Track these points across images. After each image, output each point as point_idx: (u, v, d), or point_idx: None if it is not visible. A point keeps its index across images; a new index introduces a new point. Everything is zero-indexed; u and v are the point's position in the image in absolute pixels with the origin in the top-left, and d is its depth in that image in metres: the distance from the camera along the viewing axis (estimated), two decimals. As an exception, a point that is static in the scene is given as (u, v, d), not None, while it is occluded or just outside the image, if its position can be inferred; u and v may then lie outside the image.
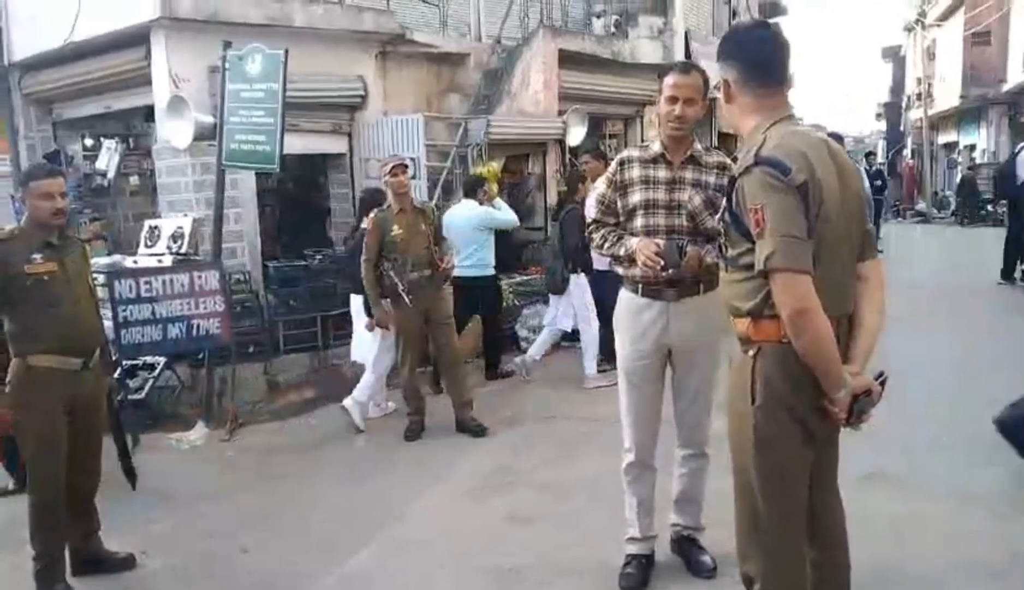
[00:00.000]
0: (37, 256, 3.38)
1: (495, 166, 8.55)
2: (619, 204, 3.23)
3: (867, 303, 2.29)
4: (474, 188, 7.00)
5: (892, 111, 48.48)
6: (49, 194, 3.40)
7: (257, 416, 6.18)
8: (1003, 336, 7.46)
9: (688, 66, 3.18)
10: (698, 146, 3.18)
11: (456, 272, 5.84)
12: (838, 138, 7.22)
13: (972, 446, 4.52)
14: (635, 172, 3.18)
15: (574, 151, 10.26)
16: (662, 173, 3.14)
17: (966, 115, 28.84)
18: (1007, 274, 9.90)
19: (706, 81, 3.10)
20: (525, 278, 8.64)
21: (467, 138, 8.65)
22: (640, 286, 3.17)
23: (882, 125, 51.98)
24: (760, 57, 2.29)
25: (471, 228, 6.65)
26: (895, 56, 47.68)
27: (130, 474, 3.86)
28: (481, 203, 6.83)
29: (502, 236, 9.00)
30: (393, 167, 5.41)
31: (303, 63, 7.37)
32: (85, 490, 3.63)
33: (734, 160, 2.39)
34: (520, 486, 4.49)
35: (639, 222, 3.16)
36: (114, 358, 5.88)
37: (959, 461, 4.34)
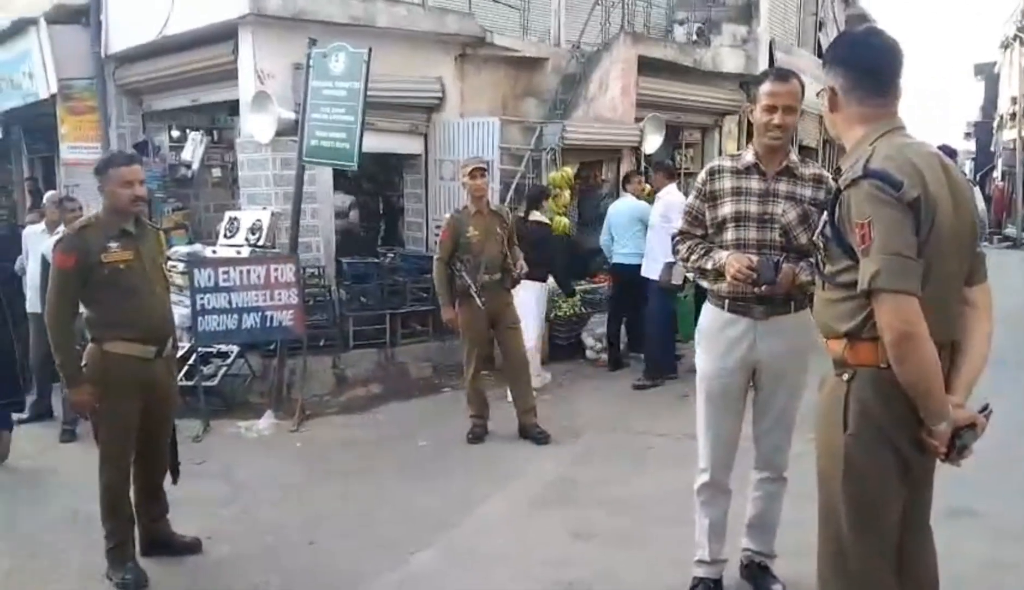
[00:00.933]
0: (114, 245, 3.41)
1: (568, 171, 8.48)
2: (708, 216, 3.11)
3: (974, 330, 2.15)
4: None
5: (982, 130, 46.50)
6: (129, 181, 3.43)
7: (324, 409, 6.26)
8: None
9: (786, 73, 3.04)
10: (794, 157, 3.05)
11: (614, 259, 7.27)
12: (950, 152, 6.96)
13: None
14: (726, 183, 3.06)
15: (648, 159, 10.13)
16: (755, 184, 3.02)
17: (1063, 137, 27.44)
18: None
19: (803, 88, 2.98)
20: (593, 286, 8.54)
21: (542, 142, 8.60)
22: (727, 301, 3.06)
23: (971, 144, 49.94)
24: (873, 65, 2.16)
25: (628, 219, 7.29)
26: (988, 73, 45.79)
27: (175, 470, 3.82)
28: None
29: (568, 243, 8.95)
30: (472, 169, 5.41)
31: (384, 63, 7.44)
32: (155, 474, 3.70)
33: (837, 173, 2.25)
34: (583, 499, 4.42)
35: (730, 235, 3.04)
36: (188, 344, 6.11)
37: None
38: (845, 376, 2.12)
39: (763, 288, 2.93)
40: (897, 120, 2.17)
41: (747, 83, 11.88)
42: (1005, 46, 38.85)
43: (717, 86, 11.30)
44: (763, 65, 11.71)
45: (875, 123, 2.14)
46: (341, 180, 8.63)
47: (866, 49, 2.19)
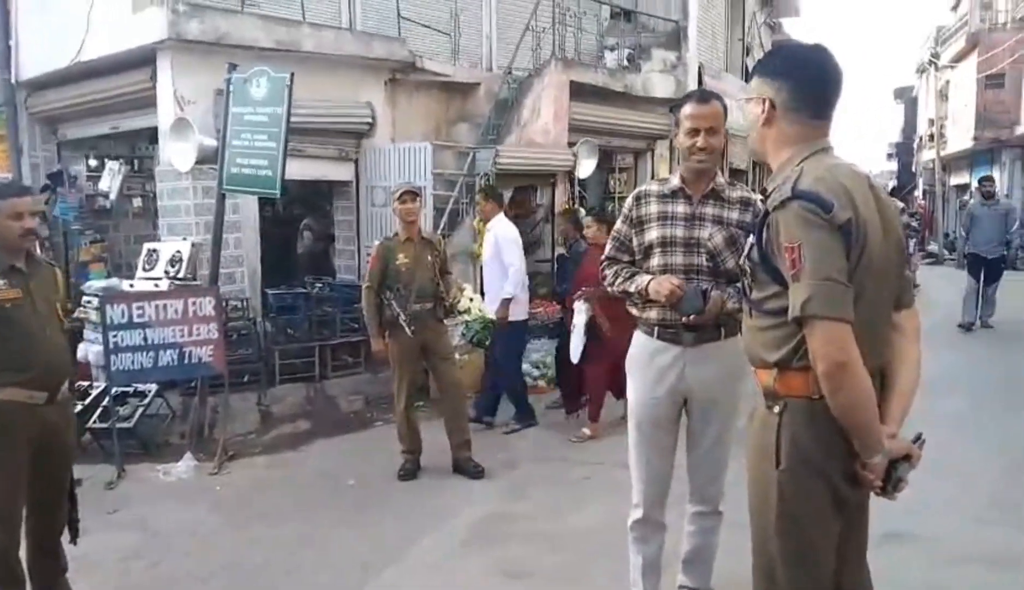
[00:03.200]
0: (0, 282, 3.14)
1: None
2: (635, 242, 3.04)
3: (904, 357, 2.07)
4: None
5: (903, 151, 48.49)
6: (19, 213, 3.15)
7: (248, 448, 5.97)
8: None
9: (707, 95, 2.99)
10: (720, 179, 2.99)
11: None
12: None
13: (996, 507, 4.29)
14: (652, 208, 3.00)
15: (583, 184, 10.13)
16: (681, 208, 2.96)
17: (979, 157, 28.72)
18: None
19: (725, 109, 2.92)
20: (531, 312, 8.43)
21: (475, 167, 8.50)
22: (656, 328, 2.98)
23: (893, 165, 51.97)
24: (818, 83, 2.07)
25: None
26: (907, 97, 47.79)
27: (73, 527, 3.41)
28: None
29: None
30: (403, 194, 5.27)
31: (311, 88, 7.28)
32: (51, 531, 3.38)
33: (763, 194, 2.17)
34: (518, 535, 4.26)
35: (656, 261, 2.96)
36: (102, 385, 5.78)
37: (982, 521, 4.10)
38: (776, 408, 2.01)
39: (691, 318, 2.85)
40: (827, 141, 2.10)
41: (675, 107, 12.05)
42: (921, 71, 40.68)
43: (648, 111, 11.39)
44: (692, 89, 11.91)
45: (806, 143, 2.06)
46: (267, 210, 8.39)
47: (814, 67, 2.08)
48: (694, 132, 2.88)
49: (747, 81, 10.51)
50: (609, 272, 3.12)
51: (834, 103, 2.10)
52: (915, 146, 43.55)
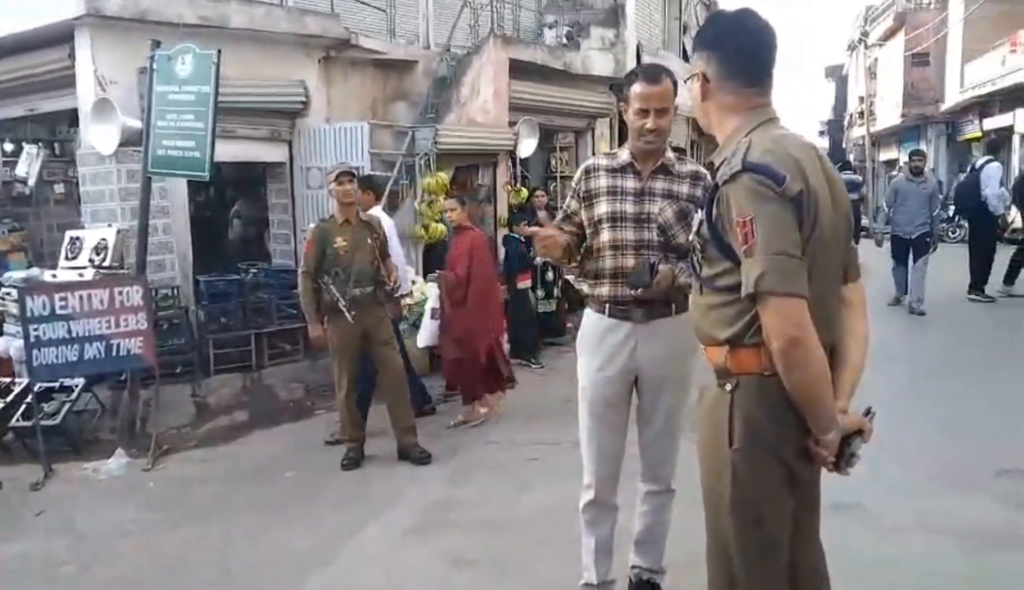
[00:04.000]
0: None
1: (443, 177, 8.26)
2: (584, 216, 2.97)
3: (852, 331, 2.05)
4: None
5: (834, 128, 49.71)
6: None
7: (183, 442, 5.75)
8: (971, 355, 7.41)
9: (656, 73, 2.88)
10: (670, 154, 2.92)
11: None
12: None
13: (935, 478, 4.38)
14: (602, 181, 2.93)
15: (524, 163, 10.05)
16: (631, 183, 2.90)
17: (906, 133, 29.59)
18: (977, 287, 10.05)
19: (675, 86, 2.85)
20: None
21: (414, 147, 8.33)
22: (607, 306, 2.91)
23: (824, 142, 53.26)
24: (747, 49, 2.02)
25: None
26: (838, 75, 48.94)
27: None
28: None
29: (444, 249, 8.74)
30: (339, 174, 5.10)
31: (241, 66, 7.01)
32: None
33: (709, 168, 2.11)
34: (464, 522, 4.18)
35: (605, 236, 2.90)
36: (23, 382, 5.49)
37: (922, 492, 4.19)
38: (727, 386, 1.96)
39: (639, 291, 2.80)
40: (772, 111, 2.05)
41: (617, 85, 12.04)
42: (851, 49, 41.64)
43: (588, 89, 11.36)
44: (631, 68, 11.89)
45: (750, 114, 2.00)
46: (200, 191, 8.08)
47: (741, 32, 2.03)
48: (644, 113, 2.81)
49: (685, 60, 10.63)
50: None
51: (768, 67, 2.05)
52: (846, 123, 44.69)
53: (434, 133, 8.30)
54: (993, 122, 24.42)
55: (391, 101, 9.35)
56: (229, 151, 7.14)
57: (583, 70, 11.00)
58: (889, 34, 32.29)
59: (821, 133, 56.14)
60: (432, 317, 6.37)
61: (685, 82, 2.15)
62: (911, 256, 9.52)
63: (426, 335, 6.46)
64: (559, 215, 3.14)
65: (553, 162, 11.90)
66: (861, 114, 37.73)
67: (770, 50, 2.05)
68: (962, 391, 6.13)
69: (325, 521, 4.28)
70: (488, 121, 9.22)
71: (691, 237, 2.09)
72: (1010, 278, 10.11)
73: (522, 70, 9.79)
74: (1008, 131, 23.21)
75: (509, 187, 9.56)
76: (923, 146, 26.24)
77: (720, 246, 1.94)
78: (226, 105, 6.02)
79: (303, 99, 8.11)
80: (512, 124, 9.42)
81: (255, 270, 7.68)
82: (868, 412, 2.03)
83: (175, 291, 6.74)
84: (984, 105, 24.60)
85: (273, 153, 8.19)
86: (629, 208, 2.88)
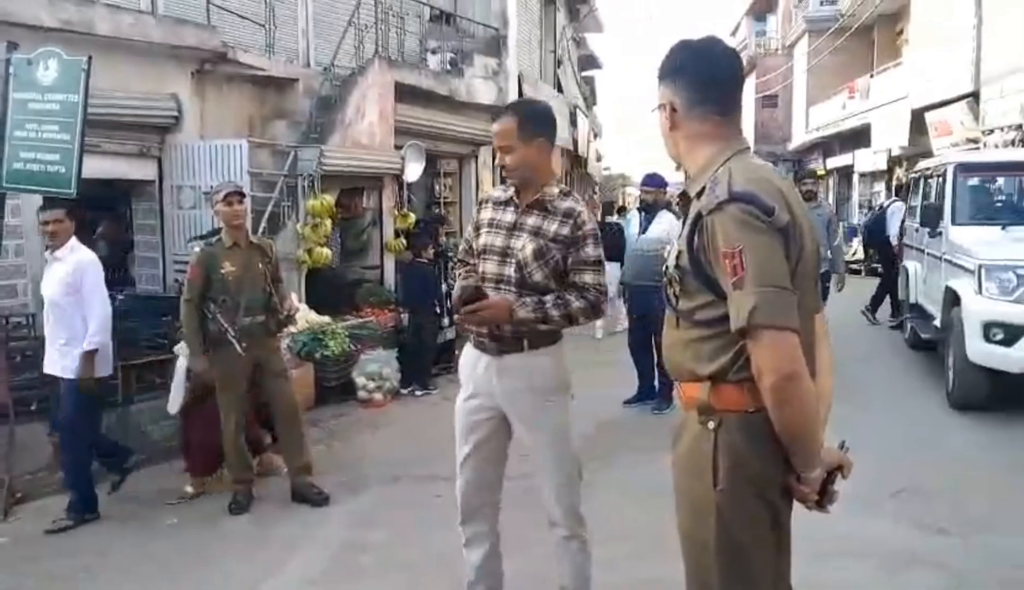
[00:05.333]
0: None
1: (328, 199, 7.92)
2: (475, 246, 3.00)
3: (822, 361, 1.99)
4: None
5: (690, 164, 52.54)
6: None
7: (40, 488, 5.09)
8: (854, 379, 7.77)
9: (503, 111, 3.00)
10: (553, 190, 2.89)
11: None
12: (662, 181, 7.14)
13: (848, 500, 4.51)
14: (487, 213, 2.97)
15: (410, 187, 9.84)
16: (508, 217, 2.90)
17: (758, 170, 31.57)
18: (872, 309, 10.62)
19: (522, 122, 2.83)
20: (361, 320, 8.02)
21: (296, 168, 7.95)
22: (472, 336, 2.93)
23: (682, 176, 56.05)
24: (717, 76, 1.96)
25: None
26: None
27: None
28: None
29: (328, 274, 8.41)
30: (227, 194, 4.72)
31: (106, 76, 6.43)
32: None
33: (684, 199, 2.04)
34: (372, 568, 3.91)
35: (481, 267, 2.92)
36: None
37: (847, 515, 4.28)
38: (710, 424, 1.86)
39: (461, 313, 2.80)
40: (744, 140, 2.01)
41: (498, 114, 12.09)
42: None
43: (472, 116, 11.33)
44: (513, 97, 11.98)
45: (722, 142, 1.94)
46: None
47: (711, 60, 1.98)
48: (499, 148, 2.89)
49: (559, 91, 10.68)
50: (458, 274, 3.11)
51: (736, 94, 2.02)
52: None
53: (319, 154, 7.95)
54: (835, 161, 26.45)
55: (270, 119, 8.92)
56: (92, 167, 6.41)
57: (467, 97, 10.96)
58: (741, 77, 34.44)
59: (678, 168, 59.12)
60: (188, 379, 5.26)
61: (652, 112, 2.07)
62: None
63: (179, 399, 5.29)
64: (462, 245, 3.16)
65: (437, 188, 11.76)
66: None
67: (738, 78, 2.03)
68: (850, 414, 6.41)
69: (216, 575, 3.88)
70: (374, 144, 8.97)
71: (668, 268, 1.97)
72: (874, 307, 10.74)
73: (407, 94, 9.62)
74: (848, 170, 25.18)
75: (396, 211, 9.32)
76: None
77: (701, 278, 1.85)
78: (90, 117, 5.48)
79: (175, 114, 7.58)
80: (398, 148, 9.21)
81: (120, 297, 7.03)
82: (843, 446, 1.99)
83: (29, 320, 6.04)
84: (827, 145, 26.65)
85: (141, 170, 7.58)
86: (499, 241, 2.87)
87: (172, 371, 5.44)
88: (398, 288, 8.92)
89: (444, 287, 8.23)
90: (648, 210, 6.85)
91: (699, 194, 1.90)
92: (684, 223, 1.97)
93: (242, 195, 4.84)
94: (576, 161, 20.24)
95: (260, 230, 7.31)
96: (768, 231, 1.75)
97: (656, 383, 6.69)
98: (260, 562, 3.99)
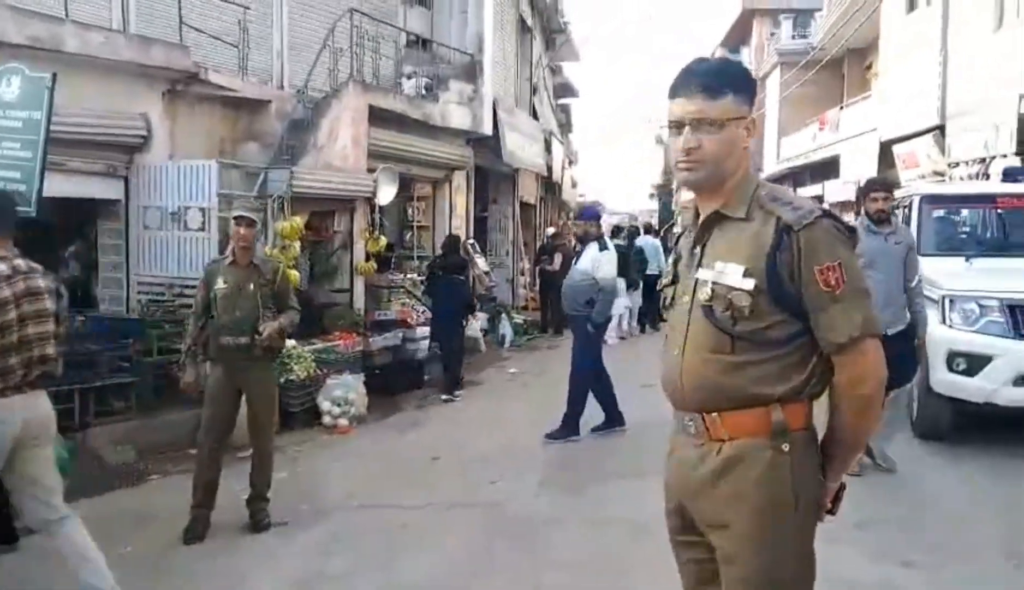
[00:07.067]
0: None
1: (298, 221, 7.85)
2: None
3: None
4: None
5: (664, 192, 53.00)
6: None
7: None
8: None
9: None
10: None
11: None
12: (595, 214, 7.29)
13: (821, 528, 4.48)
14: None
15: (382, 210, 9.81)
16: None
17: (730, 199, 31.85)
18: None
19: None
20: (328, 344, 7.93)
21: (267, 189, 7.89)
22: None
23: (655, 204, 56.63)
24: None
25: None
26: (666, 143, 52.38)
27: None
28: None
29: (299, 297, 8.30)
30: (239, 217, 4.75)
31: (74, 94, 6.37)
32: None
33: (716, 217, 1.94)
34: (334, 598, 3.82)
35: None
36: None
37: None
38: (785, 446, 1.83)
39: None
40: None
41: (475, 139, 12.12)
42: (681, 120, 44.68)
43: (446, 141, 11.35)
44: (488, 123, 12.04)
45: (749, 162, 1.99)
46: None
47: (755, 85, 2.01)
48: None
49: (535, 118, 10.77)
50: None
51: None
52: (674, 187, 47.75)
53: (289, 175, 7.90)
54: (806, 191, 26.79)
55: (241, 141, 8.86)
56: (57, 186, 6.38)
57: (442, 122, 10.98)
58: (714, 108, 34.86)
59: (651, 196, 59.72)
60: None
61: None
62: None
63: None
64: None
65: (410, 211, 11.74)
66: (689, 180, 40.43)
67: None
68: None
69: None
70: (346, 166, 8.93)
71: (732, 292, 1.85)
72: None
73: (381, 118, 9.62)
74: (819, 200, 25.52)
75: (367, 234, 9.27)
76: (746, 211, 28.31)
77: (778, 294, 1.82)
78: (55, 135, 5.40)
79: (144, 133, 7.49)
80: (371, 171, 9.18)
81: (81, 318, 6.88)
82: None
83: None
84: (797, 176, 27.01)
85: (107, 189, 7.48)
86: None
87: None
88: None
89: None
90: (581, 242, 7.01)
91: (748, 213, 1.88)
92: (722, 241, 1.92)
93: (251, 222, 4.75)
94: (551, 187, 20.33)
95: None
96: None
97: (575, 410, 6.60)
98: (215, 593, 3.87)
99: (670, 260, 2.12)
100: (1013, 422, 6.06)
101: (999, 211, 7.16)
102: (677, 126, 1.90)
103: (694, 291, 1.92)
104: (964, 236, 7.69)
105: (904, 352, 5.04)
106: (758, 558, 1.84)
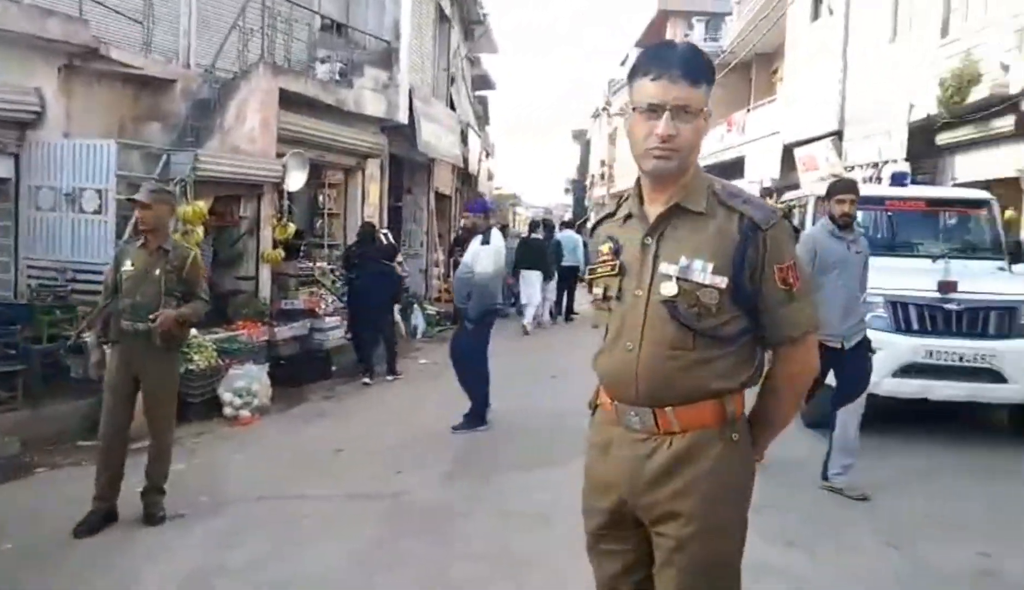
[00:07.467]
0: None
1: (202, 206, 7.60)
2: None
3: None
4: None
5: (578, 188, 53.70)
6: None
7: None
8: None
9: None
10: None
11: None
12: (483, 207, 7.30)
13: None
14: None
15: (291, 197, 9.61)
16: None
17: (643, 196, 32.51)
18: None
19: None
20: (230, 334, 7.72)
21: (169, 172, 7.61)
22: None
23: (569, 199, 57.34)
24: None
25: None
26: (583, 139, 53.08)
27: None
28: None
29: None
30: (130, 198, 4.62)
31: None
32: None
33: (676, 210, 1.90)
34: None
35: None
36: None
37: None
38: (735, 436, 1.90)
39: None
40: None
41: (390, 127, 11.99)
42: (595, 116, 45.40)
43: (360, 128, 11.19)
44: (404, 111, 11.94)
45: None
46: None
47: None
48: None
49: (452, 109, 10.77)
50: None
51: None
52: (588, 183, 48.44)
53: (193, 158, 7.65)
54: (714, 191, 27.50)
55: (143, 121, 8.51)
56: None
57: (356, 109, 10.81)
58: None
59: (567, 190, 60.43)
60: None
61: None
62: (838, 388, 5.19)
63: None
64: None
65: (321, 199, 11.52)
66: (603, 176, 41.13)
67: None
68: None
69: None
70: (254, 150, 8.70)
71: (682, 285, 1.84)
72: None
73: (292, 102, 9.40)
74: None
75: (275, 221, 9.06)
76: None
77: (738, 293, 1.85)
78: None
79: (37, 109, 7.14)
80: (280, 156, 8.97)
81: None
82: None
83: None
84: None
85: (-4, 167, 7.08)
86: None
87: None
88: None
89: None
90: (469, 234, 7.11)
91: (708, 208, 1.87)
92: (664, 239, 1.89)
93: (145, 204, 4.52)
94: (467, 179, 20.32)
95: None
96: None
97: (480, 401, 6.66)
98: (107, 588, 3.73)
99: (603, 248, 2.00)
100: (900, 413, 6.44)
101: (888, 213, 7.57)
102: (654, 109, 1.81)
103: (651, 285, 1.87)
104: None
105: (862, 363, 5.02)
106: (711, 543, 1.87)
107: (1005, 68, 10.48)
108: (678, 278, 1.84)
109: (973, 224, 7.65)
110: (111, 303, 4.57)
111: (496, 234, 6.83)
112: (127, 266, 4.52)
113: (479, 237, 6.69)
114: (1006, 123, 10.88)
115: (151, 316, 4.40)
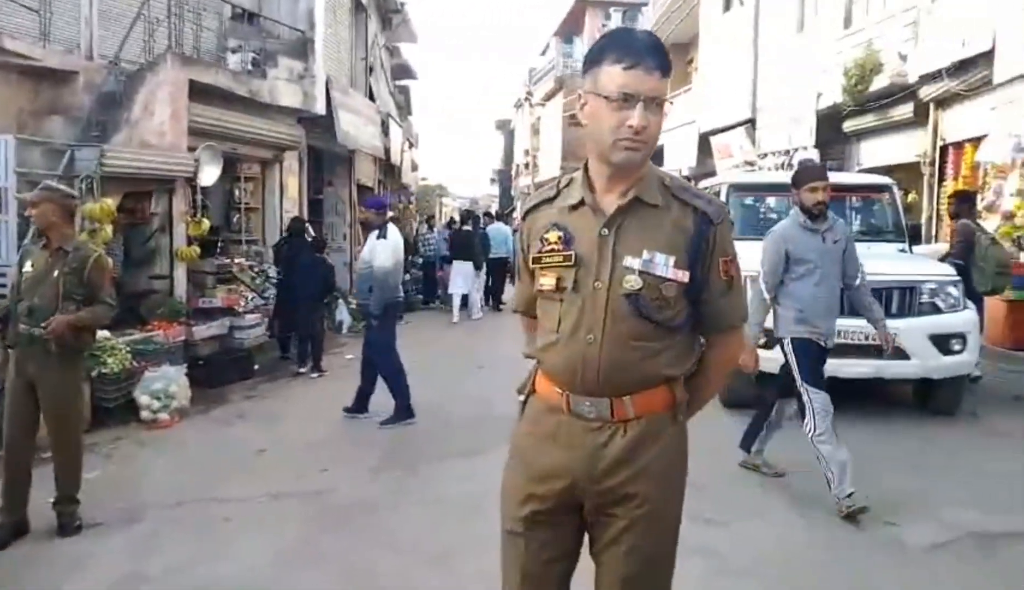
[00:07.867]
0: None
1: (109, 203, 7.31)
2: None
3: None
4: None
5: (504, 177, 53.81)
6: None
7: None
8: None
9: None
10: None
11: None
12: (379, 203, 7.33)
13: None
14: None
15: (205, 192, 9.34)
16: None
17: (566, 185, 32.83)
18: None
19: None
20: (145, 335, 7.47)
21: (74, 168, 7.30)
22: None
23: (495, 189, 57.40)
24: None
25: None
26: (506, 129, 53.18)
27: None
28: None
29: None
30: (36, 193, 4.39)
31: None
32: None
33: (637, 202, 1.88)
34: (151, 600, 3.64)
35: None
36: None
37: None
38: (680, 417, 1.99)
39: None
40: None
41: (307, 118, 11.76)
42: (518, 106, 45.52)
43: (276, 119, 10.95)
44: (320, 102, 11.73)
45: None
46: None
47: None
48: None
49: (371, 99, 10.69)
50: None
51: None
52: (513, 173, 48.61)
53: (99, 154, 7.36)
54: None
55: (44, 115, 8.14)
56: None
57: (270, 100, 10.56)
58: (550, 95, 35.78)
59: (492, 181, 60.46)
60: None
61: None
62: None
63: None
64: None
65: (237, 193, 11.23)
66: (527, 165, 41.32)
67: None
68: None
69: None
70: (164, 144, 8.41)
71: (646, 278, 1.85)
72: None
73: (203, 93, 9.12)
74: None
75: (189, 217, 8.80)
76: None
77: (691, 285, 1.90)
78: None
79: (-76, 102, 6.73)
80: (192, 149, 8.70)
81: None
82: None
83: None
84: (627, 164, 28.13)
85: None
86: None
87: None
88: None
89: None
90: (365, 229, 7.28)
91: (663, 201, 1.89)
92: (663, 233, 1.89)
93: (33, 202, 4.34)
94: (390, 170, 20.11)
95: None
96: None
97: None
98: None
99: (549, 236, 1.92)
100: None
101: (797, 199, 7.82)
102: (627, 99, 1.77)
103: (611, 278, 1.86)
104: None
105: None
106: (661, 520, 1.93)
107: (903, 58, 10.99)
108: (641, 272, 1.84)
109: (877, 208, 7.99)
110: (14, 304, 4.39)
111: (392, 229, 6.78)
112: (27, 267, 4.35)
113: (375, 232, 6.70)
114: (905, 110, 11.43)
115: (43, 324, 4.19)
